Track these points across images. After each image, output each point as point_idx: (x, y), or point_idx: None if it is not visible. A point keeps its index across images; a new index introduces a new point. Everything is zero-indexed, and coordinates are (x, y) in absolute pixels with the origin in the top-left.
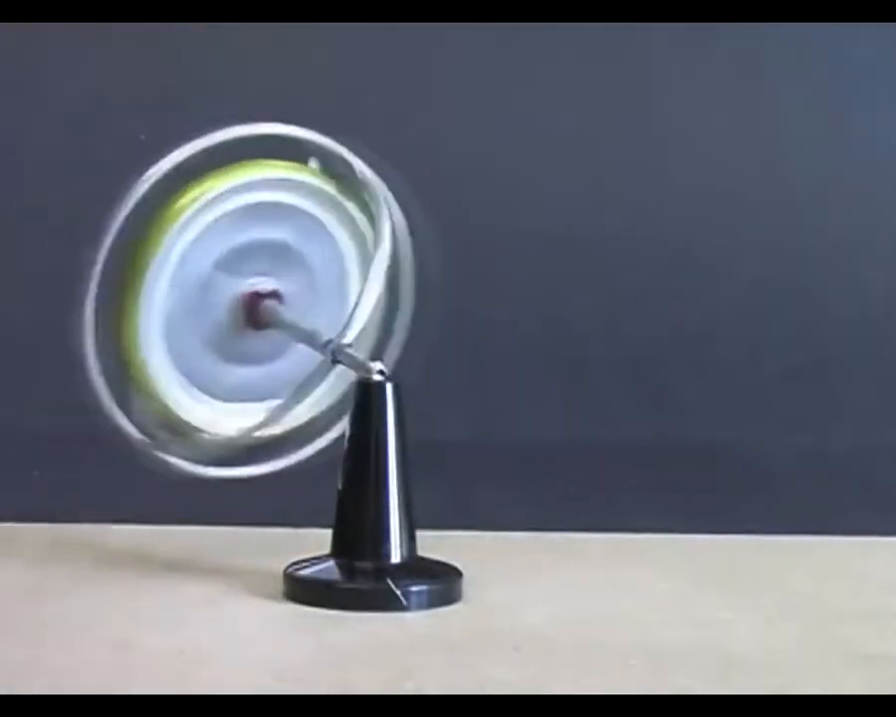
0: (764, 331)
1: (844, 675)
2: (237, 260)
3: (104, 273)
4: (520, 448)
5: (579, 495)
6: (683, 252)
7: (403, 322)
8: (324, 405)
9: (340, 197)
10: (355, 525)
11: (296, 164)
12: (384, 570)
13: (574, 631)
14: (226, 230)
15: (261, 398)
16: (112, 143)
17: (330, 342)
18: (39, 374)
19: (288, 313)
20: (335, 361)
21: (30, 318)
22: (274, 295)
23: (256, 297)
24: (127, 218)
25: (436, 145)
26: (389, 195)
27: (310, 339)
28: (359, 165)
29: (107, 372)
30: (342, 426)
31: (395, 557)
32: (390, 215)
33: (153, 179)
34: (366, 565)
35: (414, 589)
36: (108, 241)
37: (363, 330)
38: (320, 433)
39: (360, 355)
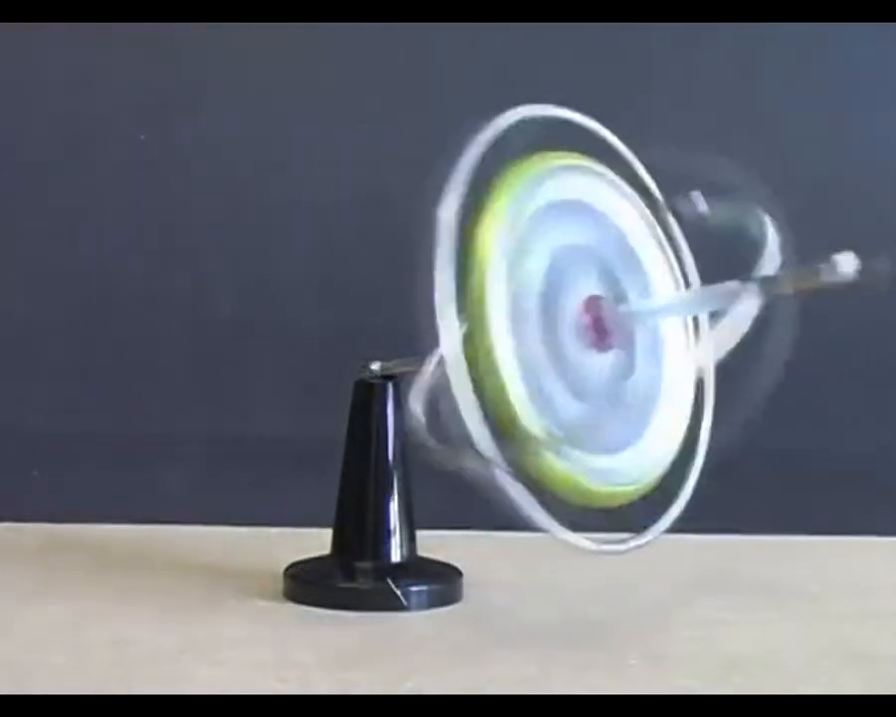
0: (763, 331)
1: (844, 675)
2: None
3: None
4: None
5: None
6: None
7: None
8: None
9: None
10: (355, 525)
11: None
12: (384, 570)
13: (574, 631)
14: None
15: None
16: (112, 143)
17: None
18: (39, 374)
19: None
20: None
21: (30, 318)
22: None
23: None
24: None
25: None
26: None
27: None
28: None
29: None
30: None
31: (395, 557)
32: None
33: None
34: (366, 565)
35: (414, 589)
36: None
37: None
38: None
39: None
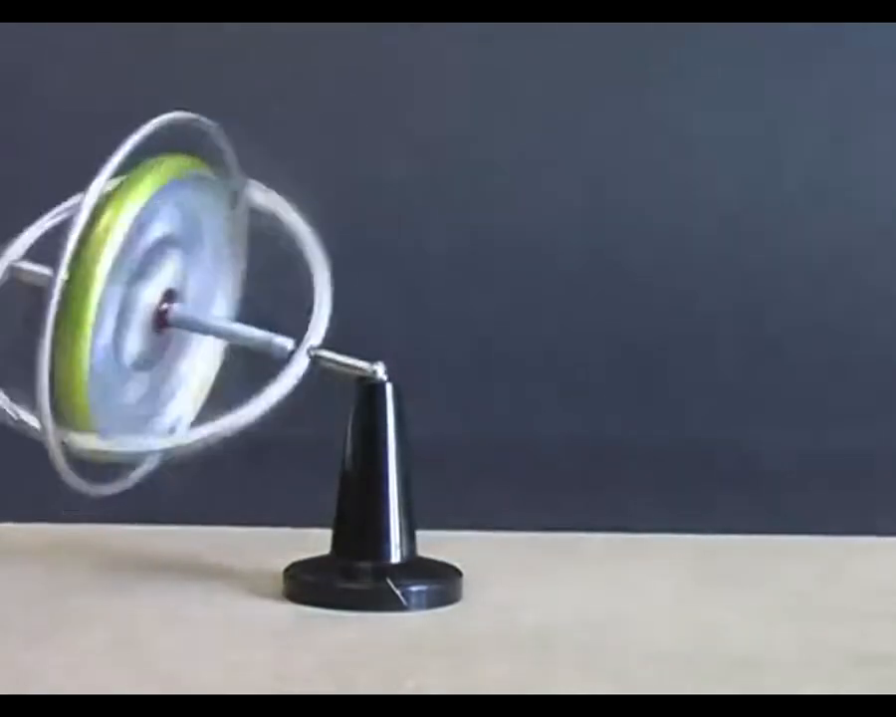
0: (763, 331)
1: (844, 675)
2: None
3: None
4: (520, 448)
5: (579, 495)
6: (682, 252)
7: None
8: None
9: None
10: (355, 525)
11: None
12: (384, 570)
13: (574, 631)
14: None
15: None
16: (112, 143)
17: (295, 349)
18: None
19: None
20: (314, 367)
21: (30, 318)
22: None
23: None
24: None
25: (435, 144)
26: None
27: (266, 346)
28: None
29: None
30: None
31: (395, 557)
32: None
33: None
34: (366, 565)
35: (414, 589)
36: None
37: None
38: None
39: (346, 357)
